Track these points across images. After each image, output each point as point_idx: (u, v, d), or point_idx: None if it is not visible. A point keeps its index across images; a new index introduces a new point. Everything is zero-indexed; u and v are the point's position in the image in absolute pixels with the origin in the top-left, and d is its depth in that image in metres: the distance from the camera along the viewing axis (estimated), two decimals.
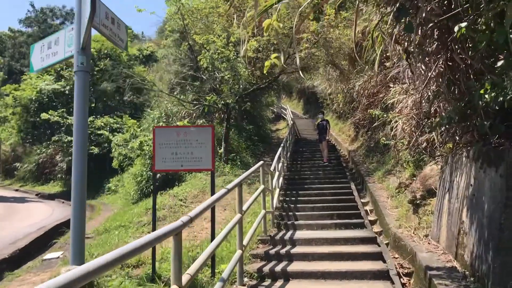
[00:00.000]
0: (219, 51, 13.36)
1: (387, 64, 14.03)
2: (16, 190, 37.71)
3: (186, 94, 20.80)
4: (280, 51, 15.94)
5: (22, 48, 58.62)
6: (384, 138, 12.10)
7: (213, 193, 6.01)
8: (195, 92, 19.20)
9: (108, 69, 31.59)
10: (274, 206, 9.90)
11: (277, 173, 11.26)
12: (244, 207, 5.66)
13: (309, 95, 33.97)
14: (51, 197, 30.73)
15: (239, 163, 16.31)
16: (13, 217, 17.08)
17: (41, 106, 30.12)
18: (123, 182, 23.43)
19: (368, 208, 11.08)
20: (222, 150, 16.42)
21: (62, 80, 31.19)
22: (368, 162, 14.78)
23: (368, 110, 13.86)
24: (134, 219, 10.99)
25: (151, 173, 15.22)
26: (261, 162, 7.81)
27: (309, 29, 14.84)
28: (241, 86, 14.43)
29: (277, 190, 11.14)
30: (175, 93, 21.63)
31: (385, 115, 11.10)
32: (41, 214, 19.65)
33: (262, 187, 7.57)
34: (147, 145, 15.44)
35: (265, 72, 3.85)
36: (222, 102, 14.53)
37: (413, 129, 10.57)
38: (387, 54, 13.50)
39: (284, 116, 34.07)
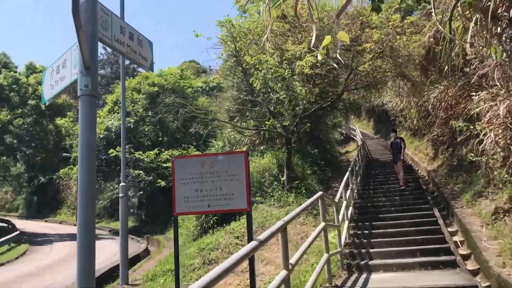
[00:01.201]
0: (272, 70, 12.20)
1: (467, 69, 12.16)
2: None
3: (246, 120, 19.87)
4: (341, 64, 14.54)
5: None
6: (471, 155, 10.16)
7: (250, 239, 4.67)
8: (254, 117, 18.18)
9: (172, 104, 31.73)
10: (343, 243, 8.35)
11: (344, 202, 9.71)
12: (294, 259, 4.26)
13: (379, 113, 31.94)
14: None
15: (304, 191, 14.84)
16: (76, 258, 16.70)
17: (110, 143, 30.60)
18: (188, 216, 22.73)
19: (457, 239, 9.19)
20: (284, 177, 15.08)
21: (128, 116, 31.59)
22: (452, 183, 12.77)
23: (451, 122, 11.98)
24: (186, 262, 9.87)
25: None
26: (319, 193, 6.36)
27: (372, 39, 13.32)
28: (300, 107, 13.11)
29: (346, 222, 9.57)
30: (235, 120, 20.77)
31: (471, 127, 9.25)
32: (107, 253, 19.28)
33: (322, 224, 6.10)
34: None
35: (320, 57, 2.46)
36: (279, 125, 13.28)
37: (509, 141, 8.68)
38: (467, 57, 11.68)
39: (354, 138, 32.18)
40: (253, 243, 3.15)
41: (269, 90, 12.86)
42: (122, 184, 9.94)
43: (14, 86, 29.52)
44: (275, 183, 15.49)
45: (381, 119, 32.96)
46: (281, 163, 15.98)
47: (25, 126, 30.29)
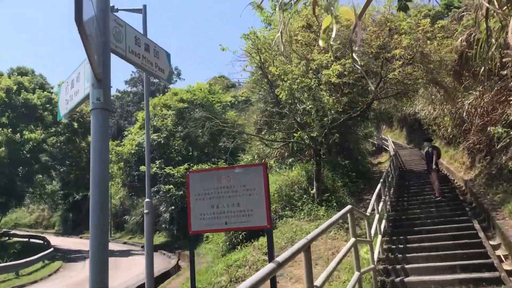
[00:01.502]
0: (298, 80, 11.89)
1: (504, 72, 11.56)
2: (124, 243, 38.86)
3: (274, 133, 19.58)
4: (368, 73, 14.11)
5: (128, 107, 62.71)
6: None
7: (271, 259, 4.34)
8: (281, 129, 17.87)
9: (200, 118, 31.81)
10: (376, 258, 7.89)
11: (377, 215, 9.24)
12: (321, 280, 3.90)
13: (412, 122, 31.11)
14: (155, 248, 30.91)
15: (335, 204, 14.36)
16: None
17: (141, 159, 30.85)
18: None
19: (501, 253, 8.59)
20: (314, 190, 14.66)
21: (159, 132, 31.86)
22: (492, 193, 12.08)
23: (489, 128, 11.37)
24: (213, 279, 9.57)
25: None
26: (348, 207, 5.97)
27: (401, 45, 12.86)
28: (328, 117, 12.72)
29: (379, 237, 9.09)
30: (262, 133, 20.51)
31: (511, 133, 8.68)
32: (138, 269, 19.23)
33: (352, 241, 5.70)
34: None
35: (322, 43, 2.14)
36: (306, 136, 12.91)
37: None
38: (503, 60, 11.08)
39: (386, 148, 31.40)
40: (270, 266, 2.83)
41: (295, 100, 12.56)
42: (146, 200, 9.79)
43: (47, 105, 30.24)
44: (305, 196, 15.09)
45: (414, 129, 32.11)
46: (310, 175, 15.57)
47: (58, 144, 30.92)
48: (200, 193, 4.70)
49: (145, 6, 10.53)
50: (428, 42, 13.25)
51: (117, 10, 10.51)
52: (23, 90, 28.92)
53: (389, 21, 14.00)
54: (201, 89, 35.15)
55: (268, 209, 4.48)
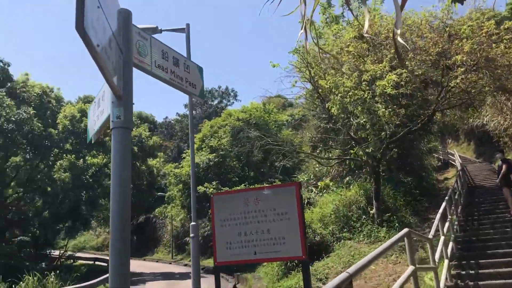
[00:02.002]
0: (350, 93, 11.19)
1: None
2: (185, 265, 38.90)
3: (330, 150, 18.81)
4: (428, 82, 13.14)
5: (187, 130, 64.03)
6: None
7: None
8: (337, 146, 17.10)
9: (255, 138, 31.62)
10: (443, 286, 6.98)
11: (442, 237, 8.30)
12: None
13: (480, 135, 29.10)
14: (212, 270, 30.67)
15: (397, 224, 13.35)
16: None
17: (198, 180, 30.96)
18: None
19: None
20: (373, 210, 13.74)
21: (214, 152, 31.95)
22: None
23: None
24: None
25: None
26: (405, 230, 5.20)
27: (462, 50, 11.84)
28: (386, 131, 11.87)
29: (446, 261, 8.13)
30: (318, 150, 19.81)
31: None
32: None
33: (410, 269, 4.94)
34: None
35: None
36: (362, 152, 12.11)
37: None
38: None
39: (453, 163, 29.50)
40: None
41: (348, 115, 11.84)
42: (192, 223, 9.44)
43: (108, 131, 31.19)
44: (364, 216, 14.21)
45: (483, 141, 30.08)
46: (369, 194, 14.68)
47: None
48: (226, 219, 4.16)
49: (188, 25, 10.36)
50: (494, 45, 12.13)
51: (161, 31, 10.42)
52: (84, 118, 30.07)
53: (448, 26, 13.04)
54: (255, 109, 35.07)
55: (303, 236, 3.86)
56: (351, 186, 16.27)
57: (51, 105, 30.40)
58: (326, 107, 12.29)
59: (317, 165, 21.33)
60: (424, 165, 21.37)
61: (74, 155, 28.28)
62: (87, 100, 36.59)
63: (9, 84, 28.94)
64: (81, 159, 28.82)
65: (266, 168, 33.61)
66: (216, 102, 67.77)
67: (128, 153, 4.35)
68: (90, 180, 29.84)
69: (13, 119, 25.37)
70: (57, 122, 28.97)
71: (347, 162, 16.07)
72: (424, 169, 21.27)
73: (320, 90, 12.74)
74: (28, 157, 28.36)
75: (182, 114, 68.14)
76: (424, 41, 12.59)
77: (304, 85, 14.87)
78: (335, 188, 18.02)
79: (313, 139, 20.48)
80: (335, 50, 12.98)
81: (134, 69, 4.96)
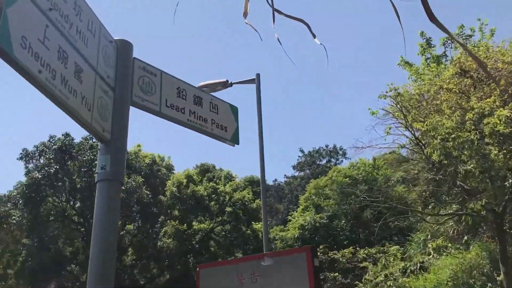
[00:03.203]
0: (453, 135, 9.39)
1: None
2: None
3: (444, 206, 16.46)
4: None
5: (296, 191, 63.03)
6: None
7: None
8: (453, 200, 14.81)
9: (363, 196, 29.71)
10: None
11: None
12: None
13: None
14: None
15: None
16: None
17: (303, 243, 29.55)
18: None
19: None
20: (501, 276, 11.21)
21: (321, 213, 30.49)
22: None
23: None
24: None
25: None
26: None
27: None
28: (509, 179, 9.72)
29: None
30: (430, 207, 17.51)
31: None
32: None
33: None
34: (391, 279, 11.78)
35: None
36: (476, 206, 9.99)
37: None
38: None
39: None
40: None
41: (453, 161, 9.93)
42: None
43: (213, 195, 31.52)
44: (489, 284, 11.72)
45: None
46: (494, 256, 12.15)
47: (223, 233, 31.54)
48: None
49: (258, 75, 9.67)
50: None
51: (231, 84, 9.86)
52: (191, 184, 30.76)
53: None
54: (364, 165, 33.34)
55: None
56: (471, 247, 13.76)
57: (160, 173, 31.65)
58: (426, 153, 10.53)
59: (434, 224, 18.96)
60: None
61: (177, 221, 28.69)
62: (204, 168, 37.62)
63: None
64: (185, 225, 29.11)
65: (379, 228, 31.15)
66: (324, 161, 66.44)
67: (116, 210, 3.48)
68: (196, 246, 29.88)
69: (124, 188, 26.65)
70: (165, 189, 29.95)
71: (464, 218, 13.73)
72: None
73: (418, 135, 11.08)
74: (138, 225, 29.42)
75: (290, 176, 67.78)
76: None
77: (402, 132, 13.24)
78: (453, 250, 15.56)
79: (423, 194, 18.29)
80: (433, 89, 11.35)
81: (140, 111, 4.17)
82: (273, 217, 56.58)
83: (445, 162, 9.99)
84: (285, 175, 66.71)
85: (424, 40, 16.60)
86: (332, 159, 67.11)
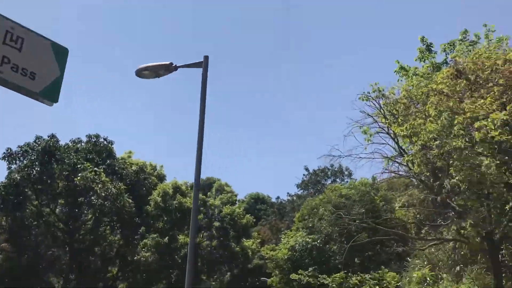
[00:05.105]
0: (437, 142, 7.70)
1: None
2: None
3: (440, 230, 14.73)
4: None
5: (298, 210, 61.27)
6: None
7: None
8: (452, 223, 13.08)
9: (357, 216, 27.93)
10: None
11: None
12: None
13: None
14: None
15: None
16: None
17: (293, 265, 27.75)
18: None
19: None
20: None
21: (313, 234, 28.67)
22: None
23: None
24: None
25: None
26: None
27: None
28: (500, 197, 7.95)
29: None
30: (424, 229, 15.81)
31: None
32: None
33: None
34: None
35: None
36: (463, 229, 8.22)
37: None
38: None
39: None
40: None
41: (437, 172, 8.21)
42: None
43: (201, 208, 29.95)
44: None
45: None
46: None
47: (209, 248, 29.86)
48: None
49: (206, 57, 8.14)
50: None
51: (176, 67, 8.34)
52: (178, 195, 29.21)
53: None
54: (362, 184, 31.48)
55: None
56: (464, 279, 11.93)
57: (147, 182, 30.21)
58: (404, 162, 8.83)
59: (432, 250, 17.24)
60: None
61: (156, 234, 27.02)
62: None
63: (108, 161, 29.46)
64: (166, 238, 27.43)
65: (375, 253, 29.21)
66: (329, 182, 64.57)
67: None
68: (179, 261, 28.18)
69: (103, 194, 25.20)
70: (149, 198, 28.46)
71: (457, 245, 11.96)
72: None
73: (398, 141, 9.41)
74: (117, 234, 27.90)
75: (294, 194, 65.96)
76: None
77: (385, 140, 11.54)
78: (449, 280, 13.78)
79: (417, 216, 16.54)
80: (422, 90, 9.73)
81: None
82: (273, 235, 54.83)
83: (427, 174, 8.27)
84: (288, 193, 64.89)
85: (425, 45, 15.18)
86: (338, 180, 65.21)
